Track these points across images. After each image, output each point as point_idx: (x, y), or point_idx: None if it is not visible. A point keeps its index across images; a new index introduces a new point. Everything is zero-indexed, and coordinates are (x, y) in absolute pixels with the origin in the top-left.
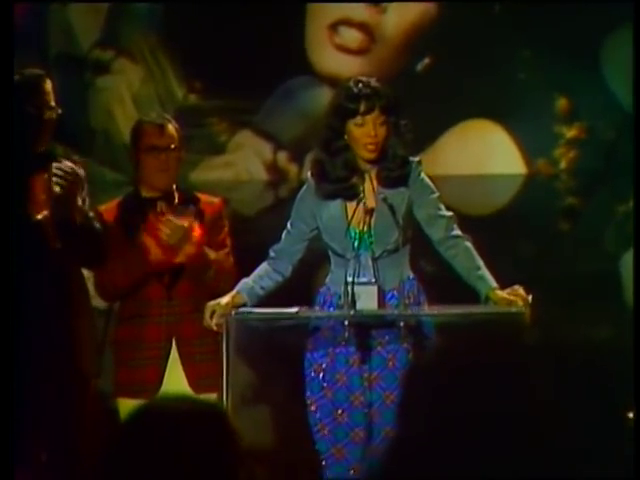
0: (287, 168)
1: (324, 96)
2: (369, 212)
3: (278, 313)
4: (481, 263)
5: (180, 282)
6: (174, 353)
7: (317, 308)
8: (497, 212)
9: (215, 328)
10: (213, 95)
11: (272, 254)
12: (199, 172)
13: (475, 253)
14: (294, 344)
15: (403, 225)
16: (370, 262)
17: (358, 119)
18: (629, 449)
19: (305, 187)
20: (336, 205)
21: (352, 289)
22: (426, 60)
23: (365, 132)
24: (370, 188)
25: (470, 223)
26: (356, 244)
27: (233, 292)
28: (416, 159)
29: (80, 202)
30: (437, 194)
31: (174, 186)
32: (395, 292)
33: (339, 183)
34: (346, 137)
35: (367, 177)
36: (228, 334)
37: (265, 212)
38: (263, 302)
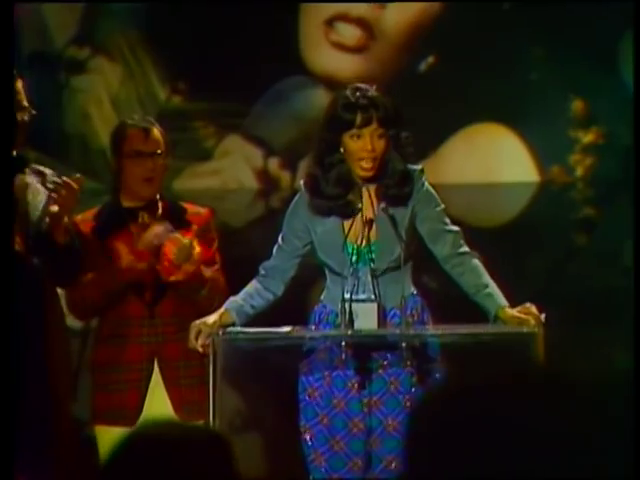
0: (279, 176)
1: (319, 98)
2: (368, 224)
3: (269, 333)
4: (490, 280)
5: (163, 299)
6: (156, 376)
7: (312, 327)
8: (507, 224)
9: (201, 350)
10: (198, 97)
11: (262, 272)
12: (183, 180)
13: (484, 270)
14: (287, 367)
15: (406, 239)
16: (369, 278)
17: (354, 131)
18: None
19: (297, 198)
20: (331, 220)
21: (350, 307)
22: (429, 59)
23: (361, 146)
24: (369, 201)
25: (477, 236)
26: (354, 259)
27: (221, 310)
28: (418, 167)
29: (67, 219)
30: (442, 207)
31: (158, 195)
32: (397, 310)
33: (333, 200)
34: (342, 150)
35: (365, 192)
36: (215, 356)
37: (255, 223)
38: (253, 321)
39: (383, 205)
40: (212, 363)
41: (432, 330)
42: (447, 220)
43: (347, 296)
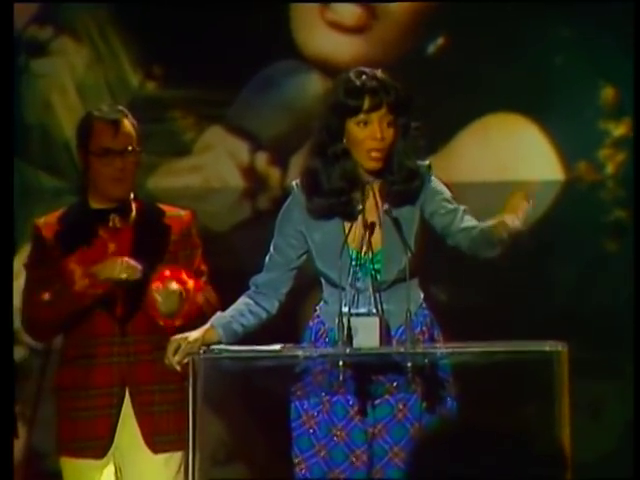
0: (268, 173)
1: (313, 85)
2: (370, 229)
3: (257, 351)
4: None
5: (136, 314)
6: (128, 401)
7: (306, 345)
8: (527, 229)
9: (178, 368)
10: (176, 83)
11: (253, 288)
12: (159, 178)
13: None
14: (277, 390)
15: (415, 245)
16: (371, 289)
17: (361, 117)
18: None
19: (291, 200)
20: (331, 224)
21: (348, 322)
22: (439, 40)
23: (369, 134)
24: (373, 202)
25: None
26: (355, 268)
27: (206, 326)
28: (425, 163)
29: None
30: (447, 194)
31: (131, 195)
32: (403, 326)
33: (335, 197)
34: (345, 140)
35: (369, 190)
36: (195, 378)
37: (241, 227)
38: (240, 339)
39: (386, 206)
40: (192, 386)
41: (442, 348)
42: (453, 202)
43: (345, 310)
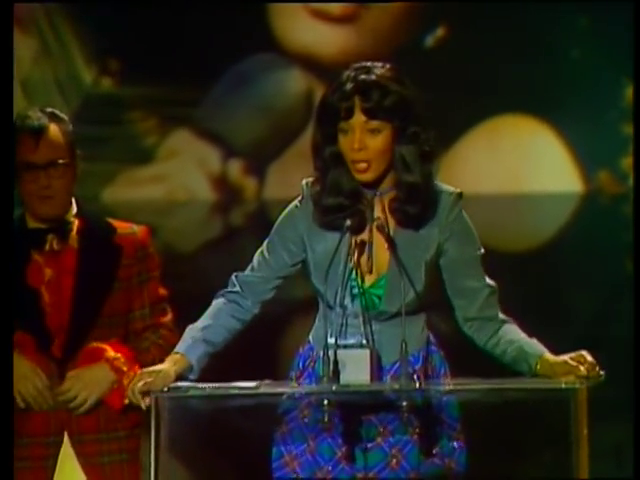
0: (242, 184)
1: (294, 82)
2: (367, 247)
3: (230, 388)
4: (525, 335)
5: (76, 356)
6: (66, 451)
7: (292, 376)
8: (541, 248)
9: (143, 406)
10: (136, 80)
11: (235, 287)
12: (117, 189)
13: (519, 330)
14: (255, 432)
15: (426, 275)
16: (361, 317)
17: (342, 124)
18: None
19: (298, 200)
20: (335, 239)
21: (334, 354)
22: (438, 31)
23: (349, 143)
24: (382, 216)
25: (501, 263)
26: (352, 291)
27: (175, 356)
28: (456, 190)
29: None
30: (480, 251)
31: (73, 212)
32: (400, 363)
33: (332, 213)
34: (337, 147)
35: (379, 203)
36: (159, 420)
37: (210, 246)
38: (211, 373)
39: (380, 222)
40: (154, 430)
41: (444, 385)
42: (482, 270)
43: (332, 340)
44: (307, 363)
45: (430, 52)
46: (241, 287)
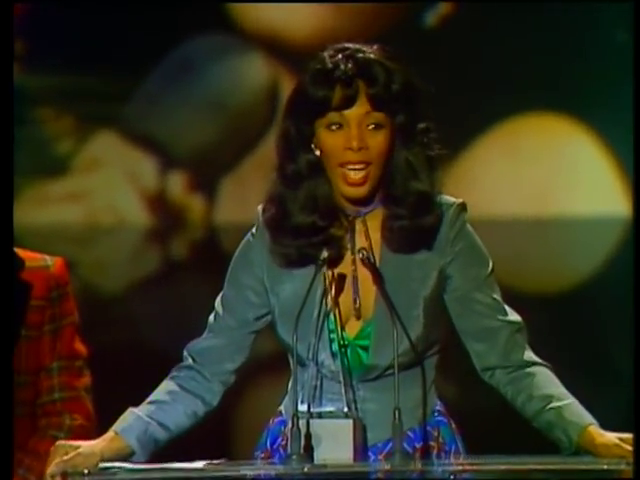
0: (185, 203)
1: (255, 71)
2: (350, 283)
3: (173, 470)
4: (564, 391)
5: None
6: None
7: (259, 455)
8: (576, 287)
9: None
10: (46, 67)
11: (186, 361)
12: (21, 209)
13: (558, 383)
14: None
15: (426, 316)
16: (347, 377)
17: (332, 116)
18: None
19: (252, 234)
20: (305, 275)
21: (307, 425)
22: (441, 8)
23: (344, 141)
24: (364, 243)
25: (527, 307)
26: (330, 345)
27: (108, 434)
28: (458, 201)
29: None
30: (490, 268)
31: None
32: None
33: (304, 237)
34: (317, 152)
35: (360, 225)
36: None
37: (144, 284)
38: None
39: (363, 252)
40: None
41: (450, 465)
42: (499, 298)
43: (303, 407)
44: (278, 441)
45: (431, 33)
46: (193, 358)
